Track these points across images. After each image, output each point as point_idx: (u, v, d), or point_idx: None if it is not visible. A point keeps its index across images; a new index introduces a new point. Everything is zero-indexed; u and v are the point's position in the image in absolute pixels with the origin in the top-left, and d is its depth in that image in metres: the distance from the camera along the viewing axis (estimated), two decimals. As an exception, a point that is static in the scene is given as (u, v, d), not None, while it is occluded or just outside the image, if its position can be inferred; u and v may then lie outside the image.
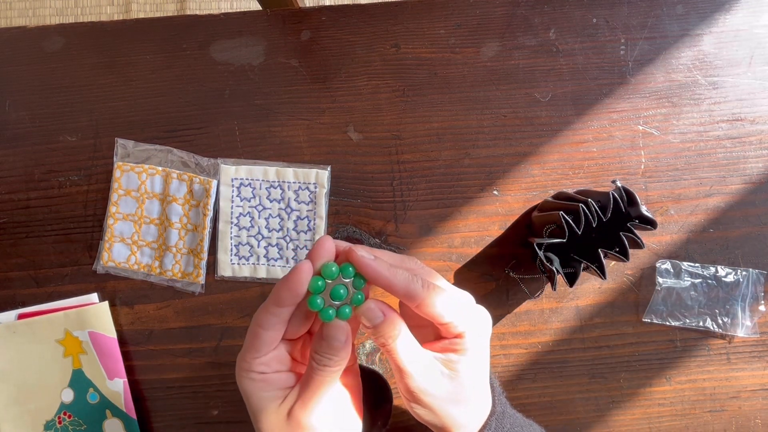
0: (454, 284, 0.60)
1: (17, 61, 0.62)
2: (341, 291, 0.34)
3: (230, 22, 0.62)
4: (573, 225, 0.49)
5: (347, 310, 0.34)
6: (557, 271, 0.51)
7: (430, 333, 0.38)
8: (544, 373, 0.60)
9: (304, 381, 0.35)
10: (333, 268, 0.34)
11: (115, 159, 0.61)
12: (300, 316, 0.36)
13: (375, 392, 0.46)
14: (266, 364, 0.36)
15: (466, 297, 0.38)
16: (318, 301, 0.34)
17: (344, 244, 0.35)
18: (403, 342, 0.34)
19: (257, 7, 0.65)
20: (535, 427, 0.42)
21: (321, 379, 0.34)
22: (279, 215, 0.61)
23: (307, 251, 0.60)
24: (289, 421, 0.34)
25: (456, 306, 0.36)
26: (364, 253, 0.34)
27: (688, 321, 0.60)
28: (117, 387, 0.59)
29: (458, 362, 0.36)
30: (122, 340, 0.60)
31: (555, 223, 0.52)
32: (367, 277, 0.34)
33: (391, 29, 0.62)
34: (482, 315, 0.38)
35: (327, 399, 0.35)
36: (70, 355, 0.59)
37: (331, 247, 0.34)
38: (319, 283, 0.34)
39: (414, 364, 0.35)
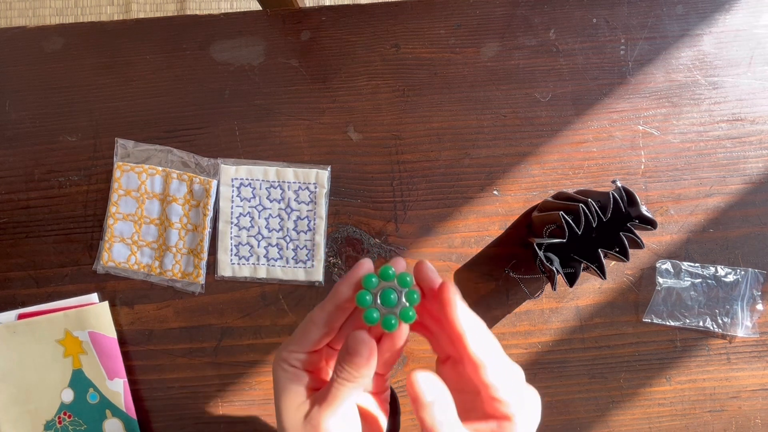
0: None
1: (17, 61, 0.62)
2: (392, 296, 0.32)
3: (230, 22, 0.62)
4: (573, 225, 0.49)
5: (393, 320, 0.32)
6: (557, 271, 0.51)
7: (469, 401, 0.36)
8: (544, 373, 0.60)
9: (326, 388, 0.35)
10: (390, 271, 0.33)
11: (115, 159, 0.61)
12: (350, 327, 0.36)
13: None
14: (302, 361, 0.36)
15: (519, 373, 0.35)
16: (367, 297, 0.32)
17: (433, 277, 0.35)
18: (449, 426, 0.32)
19: (257, 7, 0.65)
20: None
21: (338, 390, 0.34)
22: (279, 215, 0.61)
23: (307, 251, 0.60)
24: (305, 423, 0.34)
25: (512, 382, 0.33)
26: (454, 290, 0.33)
27: (688, 321, 0.60)
28: (117, 387, 0.59)
29: None
30: (122, 340, 0.60)
31: (555, 223, 0.52)
32: (446, 319, 0.32)
33: (391, 29, 0.62)
34: (534, 399, 0.35)
35: (345, 410, 0.34)
36: (70, 355, 0.59)
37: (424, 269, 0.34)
38: (373, 280, 0.33)
39: None
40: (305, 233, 0.60)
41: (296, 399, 0.35)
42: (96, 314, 0.59)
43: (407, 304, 0.33)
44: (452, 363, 0.38)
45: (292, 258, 0.60)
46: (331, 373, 0.37)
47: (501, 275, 0.60)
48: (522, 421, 0.33)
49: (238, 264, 0.60)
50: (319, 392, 0.35)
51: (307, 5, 0.64)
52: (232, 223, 0.60)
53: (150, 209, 0.61)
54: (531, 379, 0.60)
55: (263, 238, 0.61)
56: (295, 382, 0.35)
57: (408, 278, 0.33)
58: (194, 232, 0.60)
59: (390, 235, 0.61)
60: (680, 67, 0.62)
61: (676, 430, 0.60)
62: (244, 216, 0.61)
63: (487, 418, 0.34)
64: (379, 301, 0.33)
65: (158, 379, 0.60)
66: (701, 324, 0.60)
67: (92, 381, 0.59)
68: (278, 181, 0.60)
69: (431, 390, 0.32)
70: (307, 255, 0.60)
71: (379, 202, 0.61)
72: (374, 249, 0.61)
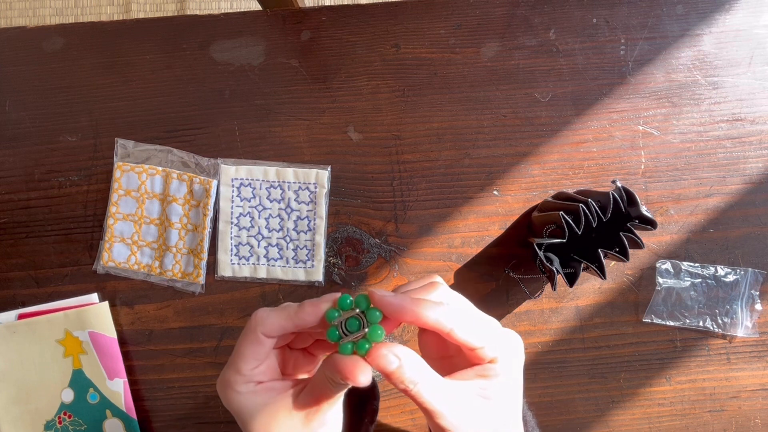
0: (453, 285, 0.60)
1: (17, 61, 0.62)
2: (356, 323, 0.33)
3: (230, 22, 0.62)
4: (573, 225, 0.49)
5: (367, 345, 0.33)
6: (557, 271, 0.51)
7: (459, 362, 0.37)
8: (544, 373, 0.60)
9: (317, 391, 0.34)
10: (348, 300, 0.34)
11: (115, 159, 0.61)
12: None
13: (362, 389, 0.46)
14: (264, 372, 0.35)
15: (493, 322, 0.36)
16: (336, 333, 0.33)
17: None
18: (426, 384, 0.32)
19: (257, 7, 0.65)
20: None
21: (334, 395, 0.34)
22: (279, 215, 0.61)
23: (307, 251, 0.60)
24: (305, 426, 0.34)
25: (486, 330, 0.35)
26: (382, 291, 0.34)
27: (688, 321, 0.60)
28: (117, 387, 0.59)
29: (491, 387, 0.34)
30: (122, 340, 0.60)
31: (555, 223, 0.52)
32: (389, 314, 0.33)
33: (391, 29, 0.62)
34: (513, 338, 0.36)
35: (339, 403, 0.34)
36: (70, 355, 0.59)
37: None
38: (336, 314, 0.33)
39: (443, 402, 0.33)
40: (305, 233, 0.60)
41: (284, 408, 0.34)
42: (96, 314, 0.59)
43: (371, 324, 0.34)
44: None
45: (292, 258, 0.60)
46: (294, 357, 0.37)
47: (501, 275, 0.60)
48: (506, 362, 0.35)
49: (238, 264, 0.60)
50: (304, 395, 0.34)
51: (307, 5, 0.64)
52: (232, 223, 0.60)
53: (150, 209, 0.61)
54: (531, 378, 0.60)
55: (263, 238, 0.61)
56: (272, 394, 0.34)
57: (364, 301, 0.34)
58: (194, 232, 0.60)
59: (390, 235, 0.61)
60: (680, 67, 0.62)
61: (676, 430, 0.60)
62: (244, 216, 0.61)
63: (472, 367, 0.35)
64: (346, 329, 0.33)
65: (158, 379, 0.60)
66: (701, 324, 0.60)
67: (92, 381, 0.59)
68: (278, 181, 0.60)
69: (390, 356, 0.32)
70: (307, 255, 0.60)
71: (379, 202, 0.61)
72: (374, 249, 0.61)
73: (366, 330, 0.33)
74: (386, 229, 0.61)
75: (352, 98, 0.62)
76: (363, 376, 0.32)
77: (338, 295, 0.34)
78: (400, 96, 0.62)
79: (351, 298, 0.34)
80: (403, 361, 0.32)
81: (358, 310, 0.34)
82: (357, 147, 0.61)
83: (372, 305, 0.34)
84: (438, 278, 0.37)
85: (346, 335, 0.33)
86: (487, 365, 0.35)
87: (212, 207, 0.60)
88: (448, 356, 0.38)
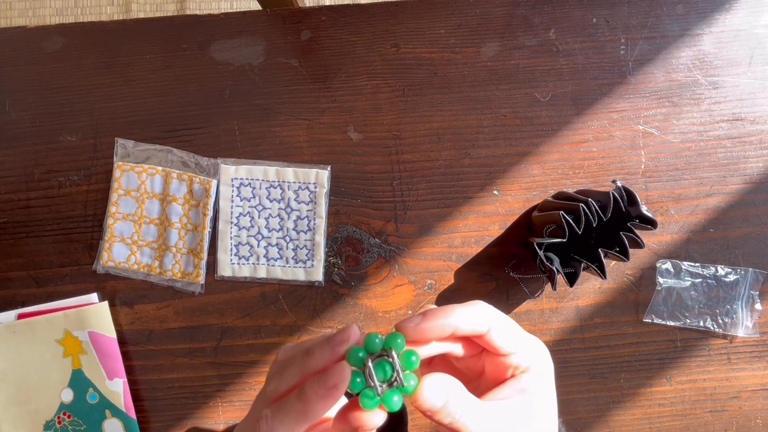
0: (453, 285, 0.60)
1: (17, 61, 0.62)
2: (386, 368, 0.27)
3: (230, 22, 0.62)
4: (573, 225, 0.49)
5: (395, 398, 0.27)
6: (557, 271, 0.51)
7: (479, 386, 0.34)
8: (544, 373, 0.60)
9: None
10: (377, 339, 0.28)
11: (115, 159, 0.61)
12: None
13: (390, 417, 0.44)
14: None
15: (517, 326, 0.34)
16: (358, 380, 0.27)
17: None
18: (470, 414, 0.29)
19: (257, 7, 0.65)
20: None
21: None
22: (279, 215, 0.61)
23: (307, 251, 0.60)
24: None
25: (516, 335, 0.32)
26: (411, 320, 0.29)
27: (688, 321, 0.60)
28: (117, 387, 0.59)
29: (528, 402, 0.32)
30: (122, 340, 0.60)
31: (555, 222, 0.52)
32: (432, 336, 0.29)
33: (391, 29, 0.62)
34: (540, 345, 0.34)
35: None
36: (69, 355, 0.59)
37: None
38: (360, 354, 0.27)
39: (486, 428, 0.30)
40: (305, 233, 0.60)
41: None
42: (96, 314, 0.59)
43: (404, 371, 0.28)
44: (440, 358, 0.36)
45: (292, 258, 0.60)
46: None
47: (501, 275, 0.60)
48: (539, 369, 0.33)
49: (238, 264, 0.60)
50: None
51: (307, 5, 0.64)
52: (232, 222, 0.60)
53: (150, 209, 0.61)
54: (531, 379, 0.60)
55: (263, 237, 0.60)
56: None
57: (399, 339, 0.28)
58: (194, 232, 0.60)
59: (390, 235, 0.61)
60: (680, 67, 0.62)
61: (677, 430, 0.60)
62: (244, 216, 0.61)
63: (503, 383, 0.32)
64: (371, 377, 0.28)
65: (158, 379, 0.60)
66: (701, 324, 0.60)
67: (92, 381, 0.59)
68: (278, 181, 0.60)
69: (437, 393, 0.29)
70: (307, 255, 0.60)
71: (379, 202, 0.61)
72: (374, 249, 0.61)
73: (399, 373, 0.28)
74: (386, 229, 0.61)
75: (352, 98, 0.62)
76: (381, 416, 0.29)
77: (346, 371, 0.27)
78: (400, 96, 0.62)
79: (380, 338, 0.28)
80: (448, 397, 0.29)
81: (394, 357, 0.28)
82: (357, 147, 0.61)
83: (408, 340, 0.29)
84: (433, 306, 0.35)
85: (371, 384, 0.28)
86: (522, 377, 0.32)
87: (212, 207, 0.60)
88: (471, 379, 0.35)
